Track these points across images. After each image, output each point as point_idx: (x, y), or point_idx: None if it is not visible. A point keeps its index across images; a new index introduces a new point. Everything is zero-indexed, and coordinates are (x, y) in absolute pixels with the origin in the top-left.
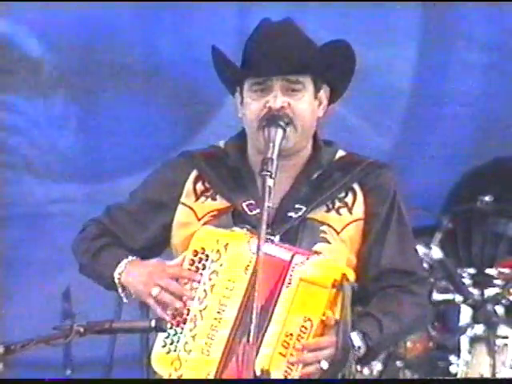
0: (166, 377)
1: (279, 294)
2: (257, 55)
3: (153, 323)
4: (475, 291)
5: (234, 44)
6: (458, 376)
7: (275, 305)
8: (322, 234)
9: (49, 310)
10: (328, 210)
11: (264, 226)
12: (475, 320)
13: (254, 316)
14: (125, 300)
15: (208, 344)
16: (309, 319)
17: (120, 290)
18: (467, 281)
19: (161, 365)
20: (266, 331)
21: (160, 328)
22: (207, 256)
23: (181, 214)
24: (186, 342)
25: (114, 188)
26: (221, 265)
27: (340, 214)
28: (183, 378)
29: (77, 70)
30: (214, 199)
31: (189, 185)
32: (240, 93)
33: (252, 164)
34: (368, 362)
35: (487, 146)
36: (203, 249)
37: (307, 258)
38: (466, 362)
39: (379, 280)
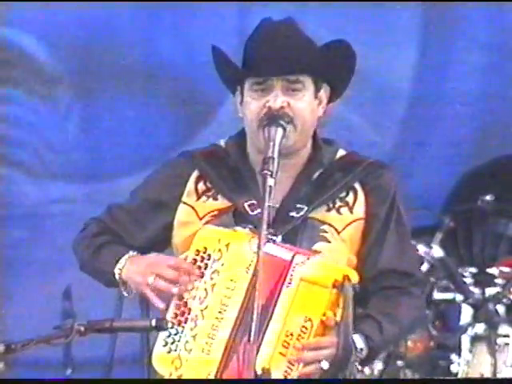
0: (166, 376)
1: (279, 293)
2: (257, 55)
3: (153, 322)
4: (476, 290)
5: (234, 44)
6: (459, 375)
7: (275, 304)
8: (322, 234)
9: (49, 310)
10: (329, 210)
11: (264, 226)
12: (476, 319)
13: (254, 316)
14: (126, 294)
15: (209, 343)
16: (309, 319)
17: (121, 285)
18: (468, 280)
19: (161, 364)
20: (266, 331)
21: (160, 327)
22: (209, 255)
23: (182, 213)
24: (187, 342)
25: (114, 188)
26: (222, 264)
27: (341, 214)
28: (183, 377)
29: (77, 70)
30: (215, 199)
31: (190, 184)
32: (240, 92)
33: (253, 163)
34: (369, 363)
35: (487, 146)
36: (205, 248)
37: (308, 258)
38: (466, 361)
39: (377, 280)
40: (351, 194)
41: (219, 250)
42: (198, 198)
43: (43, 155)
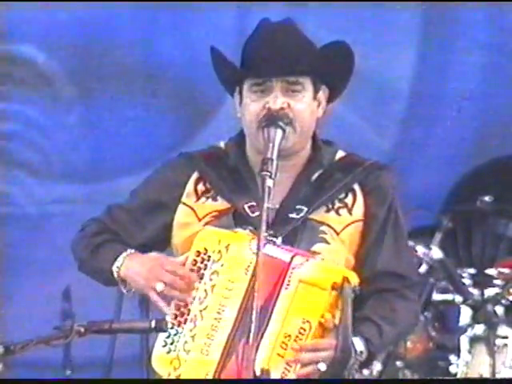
0: (165, 376)
1: (278, 295)
2: (256, 56)
3: (153, 323)
4: (475, 291)
5: (233, 44)
6: (458, 376)
7: (274, 306)
8: (321, 235)
9: (49, 310)
10: (328, 211)
11: (264, 227)
12: (475, 320)
13: (253, 317)
14: (125, 292)
15: (207, 344)
16: (307, 321)
17: (119, 283)
18: (467, 281)
19: (161, 364)
20: (264, 332)
21: (160, 328)
22: (209, 257)
23: (181, 214)
24: (186, 342)
25: (114, 188)
26: (222, 265)
27: (339, 215)
28: (182, 377)
29: (77, 70)
30: (214, 200)
31: (190, 185)
32: (239, 93)
33: (252, 164)
34: (368, 366)
35: (487, 146)
36: (206, 249)
37: (307, 260)
38: (465, 362)
39: (374, 282)
40: (350, 196)
41: (219, 251)
42: (198, 198)
43: (43, 155)
